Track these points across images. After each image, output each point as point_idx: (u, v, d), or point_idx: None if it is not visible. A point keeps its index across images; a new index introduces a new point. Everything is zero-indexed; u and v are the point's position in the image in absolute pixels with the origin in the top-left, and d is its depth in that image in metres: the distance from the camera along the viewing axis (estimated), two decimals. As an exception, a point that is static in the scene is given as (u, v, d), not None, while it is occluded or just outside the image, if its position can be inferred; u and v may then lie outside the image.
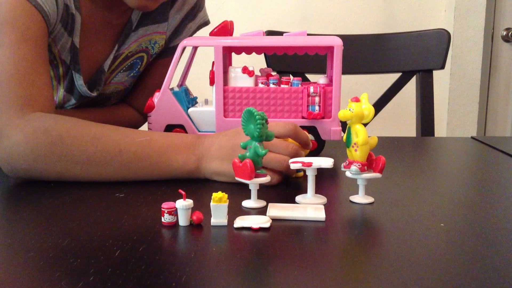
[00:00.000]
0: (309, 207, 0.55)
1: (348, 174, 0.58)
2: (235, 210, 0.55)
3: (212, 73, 0.77)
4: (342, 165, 0.59)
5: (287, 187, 0.65)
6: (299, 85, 0.77)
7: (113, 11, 0.84)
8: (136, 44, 0.89)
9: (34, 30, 0.71)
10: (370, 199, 0.58)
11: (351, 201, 0.58)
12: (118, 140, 0.65)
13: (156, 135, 0.68)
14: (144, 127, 0.89)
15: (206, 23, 0.98)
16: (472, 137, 0.99)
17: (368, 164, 0.58)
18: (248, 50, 0.82)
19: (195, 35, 0.97)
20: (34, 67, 0.70)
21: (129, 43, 0.88)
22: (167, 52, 0.94)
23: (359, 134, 0.57)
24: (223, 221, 0.51)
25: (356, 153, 0.57)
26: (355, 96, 0.58)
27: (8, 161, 0.65)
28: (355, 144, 0.57)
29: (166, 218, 0.50)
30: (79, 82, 0.84)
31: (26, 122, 0.66)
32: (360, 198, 0.58)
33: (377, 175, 0.57)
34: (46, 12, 0.72)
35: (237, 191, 0.60)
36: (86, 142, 0.64)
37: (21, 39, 0.70)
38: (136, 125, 0.98)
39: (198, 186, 0.64)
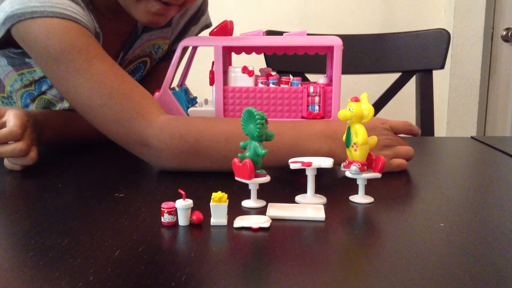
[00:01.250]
0: (309, 207, 0.55)
1: (348, 174, 0.58)
2: (235, 210, 0.55)
3: (212, 73, 0.77)
4: (342, 165, 0.59)
5: (287, 187, 0.65)
6: (299, 85, 0.77)
7: (120, 21, 0.85)
8: (140, 49, 0.90)
9: (95, 45, 0.72)
10: (370, 199, 0.58)
11: (351, 201, 0.58)
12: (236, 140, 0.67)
13: (284, 127, 0.69)
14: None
15: (208, 25, 0.98)
16: (472, 137, 0.99)
17: (368, 164, 0.58)
18: (248, 50, 0.82)
19: (195, 35, 0.97)
20: (122, 77, 0.72)
21: (133, 49, 0.88)
22: (170, 55, 0.95)
23: (358, 134, 0.57)
24: (223, 221, 0.51)
25: (356, 153, 0.57)
26: (355, 96, 0.58)
27: (158, 165, 0.71)
28: (354, 144, 0.57)
29: (166, 218, 0.50)
30: None
31: (160, 130, 0.69)
32: (360, 198, 0.58)
33: (377, 175, 0.57)
34: (88, 26, 0.73)
35: (237, 191, 0.60)
36: (220, 143, 0.68)
37: (95, 57, 0.70)
38: None
39: (198, 186, 0.64)
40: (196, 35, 0.96)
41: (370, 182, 0.59)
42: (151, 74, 0.97)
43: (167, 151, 0.68)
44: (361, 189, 0.58)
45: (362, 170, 0.57)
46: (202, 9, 0.95)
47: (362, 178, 0.58)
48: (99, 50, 0.72)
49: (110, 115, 0.69)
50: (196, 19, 0.94)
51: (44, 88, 0.86)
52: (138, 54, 0.90)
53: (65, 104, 0.88)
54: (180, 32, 0.93)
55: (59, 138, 0.84)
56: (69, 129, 0.85)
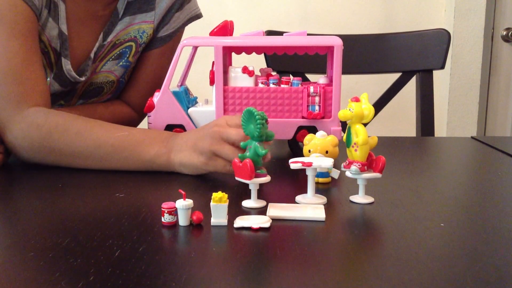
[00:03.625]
0: (309, 207, 0.55)
1: (348, 174, 0.58)
2: (235, 210, 0.55)
3: (212, 73, 0.77)
4: (342, 165, 0.59)
5: (287, 187, 0.65)
6: (299, 85, 0.77)
7: (98, 3, 0.85)
8: (124, 33, 0.90)
9: (23, 23, 0.74)
10: (370, 199, 0.58)
11: (351, 201, 0.58)
12: (98, 135, 0.71)
13: (135, 130, 0.73)
14: (143, 124, 0.89)
15: (198, 16, 0.97)
16: (472, 137, 0.99)
17: (368, 164, 0.58)
18: (248, 50, 0.82)
19: (193, 34, 0.97)
20: (27, 62, 0.75)
21: (116, 32, 0.89)
22: (156, 43, 0.94)
23: (359, 134, 0.57)
24: (223, 221, 0.51)
25: (356, 153, 0.57)
26: (355, 96, 0.58)
27: (12, 151, 0.74)
28: (355, 144, 0.57)
29: (166, 218, 0.50)
30: (67, 67, 0.85)
31: (22, 118, 0.72)
32: (360, 198, 0.58)
33: (377, 175, 0.57)
34: (32, 1, 0.74)
35: (237, 191, 0.60)
36: (71, 137, 0.71)
37: (11, 35, 0.73)
38: (130, 122, 0.98)
39: (198, 186, 0.64)
40: (185, 24, 0.95)
41: (370, 182, 0.59)
42: (140, 64, 0.96)
43: (21, 139, 0.72)
44: (361, 189, 0.58)
45: (362, 170, 0.57)
46: None
47: (362, 178, 0.58)
48: (21, 29, 0.74)
49: None
50: (179, 4, 0.93)
51: None
52: (123, 39, 0.90)
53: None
54: (164, 16, 0.92)
55: None
56: None
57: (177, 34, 0.95)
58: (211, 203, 0.50)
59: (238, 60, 0.86)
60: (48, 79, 0.87)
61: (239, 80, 0.78)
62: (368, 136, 0.58)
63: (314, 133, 0.70)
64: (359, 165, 0.57)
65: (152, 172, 0.71)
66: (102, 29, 0.88)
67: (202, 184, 0.65)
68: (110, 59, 0.91)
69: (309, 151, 0.67)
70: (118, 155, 0.70)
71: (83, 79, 0.88)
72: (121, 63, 0.93)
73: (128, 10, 0.89)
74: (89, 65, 0.88)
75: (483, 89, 2.08)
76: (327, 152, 0.67)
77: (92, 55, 0.87)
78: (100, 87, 0.94)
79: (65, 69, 0.85)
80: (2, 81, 0.73)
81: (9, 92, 0.73)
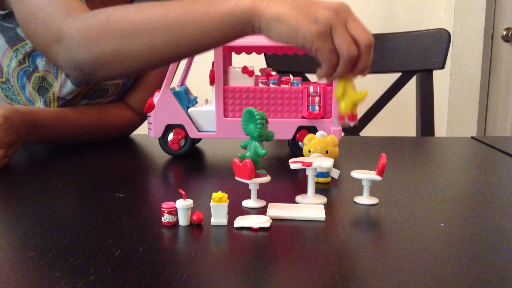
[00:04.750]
0: (309, 207, 0.55)
1: (352, 174, 0.58)
2: (235, 210, 0.55)
3: (212, 73, 0.77)
4: (340, 121, 0.61)
5: (287, 187, 0.65)
6: (299, 85, 0.77)
7: (114, 3, 0.85)
8: None
9: None
10: (374, 200, 0.58)
11: (355, 202, 0.58)
12: (161, 4, 0.64)
13: None
14: (142, 130, 0.89)
15: None
16: (472, 137, 0.99)
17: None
18: (248, 50, 0.82)
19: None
20: None
21: None
22: None
23: (337, 88, 0.59)
24: (223, 221, 0.51)
25: (340, 105, 0.59)
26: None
27: (71, 58, 0.68)
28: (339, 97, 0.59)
29: (166, 218, 0.50)
30: None
31: (74, 18, 0.67)
32: (365, 199, 0.58)
33: (376, 177, 0.57)
34: None
35: (237, 191, 0.60)
36: (132, 12, 0.64)
37: None
38: (132, 125, 0.98)
39: (198, 186, 0.64)
40: None
41: (371, 183, 0.59)
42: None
43: (77, 34, 0.66)
44: (365, 190, 0.58)
45: (341, 120, 0.58)
46: None
47: (367, 179, 0.58)
48: None
49: (31, 11, 0.70)
50: None
51: (38, 62, 0.87)
52: None
53: (61, 84, 0.88)
54: None
55: (53, 137, 0.84)
56: (64, 128, 0.85)
57: None
58: (211, 203, 0.50)
59: (238, 60, 0.86)
60: (61, 78, 0.87)
61: (239, 80, 0.78)
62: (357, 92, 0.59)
63: (314, 133, 0.70)
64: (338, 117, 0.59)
65: (152, 172, 0.71)
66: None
67: (202, 184, 0.65)
68: None
69: (309, 151, 0.67)
70: (190, 16, 0.61)
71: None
72: None
73: None
74: None
75: (483, 89, 2.08)
76: (327, 152, 0.67)
77: None
78: (105, 88, 0.94)
79: None
80: (46, 2, 0.69)
81: (56, 7, 0.69)
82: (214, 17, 0.59)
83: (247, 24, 0.58)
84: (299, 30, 0.55)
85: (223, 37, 0.61)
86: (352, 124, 0.60)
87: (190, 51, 0.63)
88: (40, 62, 0.87)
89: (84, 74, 0.69)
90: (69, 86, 0.88)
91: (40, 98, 0.90)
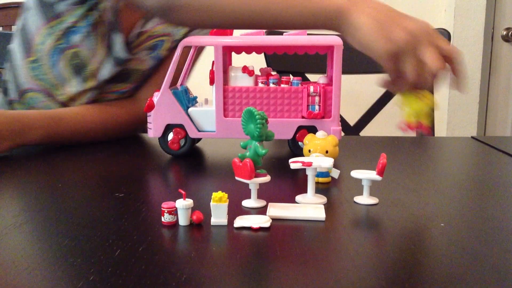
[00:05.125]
0: (309, 207, 0.55)
1: (352, 174, 0.58)
2: (235, 209, 0.55)
3: (212, 73, 0.77)
4: (400, 127, 0.62)
5: (287, 187, 0.65)
6: (299, 85, 0.77)
7: None
8: (162, 27, 0.90)
9: None
10: (375, 200, 0.58)
11: (355, 202, 0.58)
12: None
13: None
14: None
15: None
16: (472, 137, 0.99)
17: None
18: (248, 49, 0.82)
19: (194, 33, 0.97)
20: None
21: (155, 23, 0.89)
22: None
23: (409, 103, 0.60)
24: (223, 220, 0.50)
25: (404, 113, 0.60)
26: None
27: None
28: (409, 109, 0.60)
29: (166, 218, 0.50)
30: (119, 41, 0.86)
31: None
32: (365, 199, 0.58)
33: (377, 177, 0.57)
34: None
35: (237, 191, 0.60)
36: None
37: None
38: (134, 126, 0.98)
39: (198, 185, 0.64)
40: None
41: (371, 183, 0.59)
42: (168, 63, 0.98)
43: None
44: (366, 190, 0.58)
45: (403, 128, 0.61)
46: None
47: (367, 179, 0.58)
48: None
49: None
50: None
51: (74, 39, 0.88)
52: (160, 32, 0.90)
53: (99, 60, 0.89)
54: None
55: (49, 138, 0.84)
56: (60, 129, 0.85)
57: None
58: (211, 203, 0.50)
59: (238, 60, 0.86)
60: (99, 56, 0.88)
61: (239, 79, 0.78)
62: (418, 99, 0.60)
63: (314, 133, 0.70)
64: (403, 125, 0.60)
65: (152, 171, 0.71)
66: (142, 16, 0.89)
67: (202, 183, 0.65)
68: (144, 49, 0.92)
69: (309, 150, 0.67)
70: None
71: (130, 56, 0.88)
72: (152, 54, 0.93)
73: None
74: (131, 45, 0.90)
75: (483, 89, 2.08)
76: (327, 151, 0.67)
77: (130, 39, 0.88)
78: (127, 73, 0.95)
79: (117, 43, 0.86)
80: None
81: None
82: (308, 4, 0.59)
83: (332, 21, 0.58)
84: (372, 44, 0.55)
85: (304, 24, 0.60)
86: (419, 133, 0.61)
87: (263, 24, 0.63)
88: (76, 39, 0.88)
89: (165, 15, 0.69)
90: (108, 66, 0.89)
91: (74, 76, 0.91)
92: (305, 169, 0.57)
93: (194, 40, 0.78)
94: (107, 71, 0.90)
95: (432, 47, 0.54)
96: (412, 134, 0.61)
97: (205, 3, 0.65)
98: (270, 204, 0.56)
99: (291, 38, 0.77)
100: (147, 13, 0.71)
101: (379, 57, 0.55)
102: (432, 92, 0.59)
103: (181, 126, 0.78)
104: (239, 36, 0.78)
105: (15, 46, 0.94)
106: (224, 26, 0.67)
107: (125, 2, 0.86)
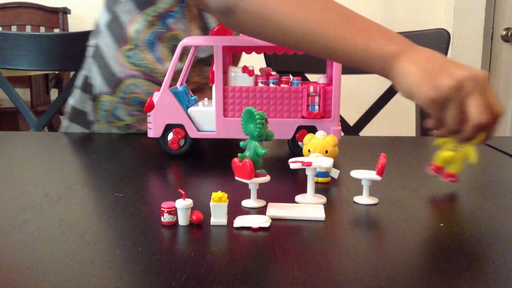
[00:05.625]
0: (308, 207, 0.55)
1: (351, 173, 0.58)
2: (235, 209, 0.55)
3: (212, 73, 0.77)
4: (428, 168, 0.63)
5: (286, 186, 0.65)
6: (299, 85, 0.77)
7: None
8: None
9: None
10: (374, 200, 0.58)
11: (354, 202, 0.58)
12: (324, 4, 0.63)
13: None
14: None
15: None
16: (472, 137, 0.98)
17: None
18: (248, 49, 0.82)
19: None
20: None
21: None
22: None
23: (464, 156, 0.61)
24: (223, 220, 0.50)
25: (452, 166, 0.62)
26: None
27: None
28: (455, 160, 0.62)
29: (165, 218, 0.50)
30: (211, 20, 0.93)
31: None
32: (365, 198, 0.58)
33: (376, 177, 0.57)
34: None
35: (237, 191, 0.60)
36: None
37: None
38: None
39: (198, 185, 0.64)
40: None
41: (371, 183, 0.59)
42: None
43: None
44: (365, 190, 0.58)
45: (430, 170, 0.64)
46: None
47: (366, 179, 0.58)
48: None
49: None
50: None
51: (169, 22, 0.92)
52: None
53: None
54: None
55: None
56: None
57: None
58: (211, 203, 0.50)
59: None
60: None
61: (239, 79, 0.78)
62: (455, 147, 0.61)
63: (314, 133, 0.70)
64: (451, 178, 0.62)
65: (152, 171, 0.71)
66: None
67: (201, 183, 0.65)
68: None
69: (309, 150, 0.67)
70: (337, 29, 0.60)
71: None
72: None
73: None
74: None
75: (483, 89, 2.08)
76: (326, 151, 0.67)
77: None
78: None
79: (210, 22, 0.91)
80: None
81: None
82: (358, 45, 0.59)
83: (381, 66, 0.59)
84: (417, 91, 0.55)
85: (357, 65, 0.61)
86: (448, 180, 0.63)
87: (319, 54, 0.63)
88: (171, 22, 0.92)
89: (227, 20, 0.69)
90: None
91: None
92: (304, 169, 0.57)
93: (194, 40, 0.78)
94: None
95: (480, 97, 0.53)
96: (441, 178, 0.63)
97: (270, 15, 0.64)
98: (269, 204, 0.56)
99: (291, 38, 0.77)
100: (209, 11, 0.71)
101: (423, 103, 0.56)
102: (483, 142, 0.58)
103: (181, 126, 0.78)
104: (239, 36, 0.78)
105: (103, 41, 0.97)
106: (278, 42, 0.67)
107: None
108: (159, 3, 0.91)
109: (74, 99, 1.04)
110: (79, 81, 1.04)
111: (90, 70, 1.01)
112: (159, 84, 0.94)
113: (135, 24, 0.93)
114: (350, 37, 0.60)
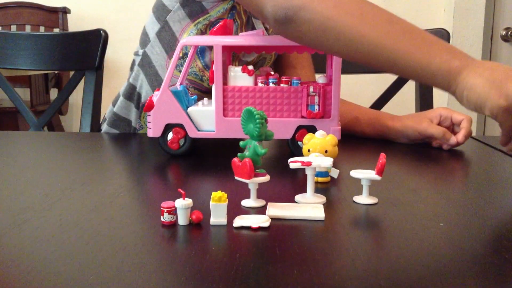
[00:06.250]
0: (308, 207, 0.55)
1: (351, 173, 0.58)
2: (235, 209, 0.55)
3: (212, 73, 0.77)
4: None
5: (286, 186, 0.65)
6: (299, 85, 0.77)
7: None
8: None
9: None
10: (374, 200, 0.58)
11: (354, 202, 0.58)
12: (387, 19, 0.64)
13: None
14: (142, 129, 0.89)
15: None
16: (472, 137, 0.99)
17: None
18: (248, 49, 0.82)
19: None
20: None
21: None
22: None
23: None
24: (223, 220, 0.50)
25: None
26: None
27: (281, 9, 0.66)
28: None
29: (165, 218, 0.50)
30: (259, 26, 0.95)
31: None
32: (364, 198, 0.58)
33: (376, 177, 0.57)
34: None
35: (237, 191, 0.60)
36: (355, 7, 0.63)
37: None
38: None
39: (197, 185, 0.64)
40: None
41: (371, 183, 0.59)
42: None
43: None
44: (365, 190, 0.58)
45: None
46: None
47: (366, 179, 0.58)
48: None
49: None
50: None
51: None
52: None
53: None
54: None
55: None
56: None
57: None
58: (211, 203, 0.50)
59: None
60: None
61: (238, 79, 0.78)
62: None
63: (314, 133, 0.70)
64: None
65: (152, 171, 0.71)
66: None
67: (201, 183, 0.65)
68: None
69: (309, 150, 0.67)
70: (400, 46, 0.60)
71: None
72: None
73: None
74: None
75: (483, 89, 2.08)
76: (326, 151, 0.67)
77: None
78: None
79: (257, 28, 0.91)
80: None
81: None
82: (422, 59, 0.59)
83: (445, 81, 0.59)
84: (487, 102, 0.56)
85: (413, 76, 0.61)
86: None
87: (380, 68, 0.63)
88: None
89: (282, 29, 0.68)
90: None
91: None
92: (304, 168, 0.57)
93: (194, 39, 0.78)
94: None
95: None
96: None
97: (332, 25, 0.63)
98: (269, 203, 0.56)
99: (291, 37, 0.77)
100: (265, 19, 0.69)
101: (492, 114, 0.56)
102: None
103: (180, 126, 0.78)
104: (238, 36, 0.78)
105: (152, 49, 0.97)
106: (337, 52, 0.66)
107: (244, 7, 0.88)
108: (212, 11, 0.91)
109: (117, 106, 1.04)
110: (123, 89, 1.03)
111: (137, 78, 1.00)
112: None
113: (186, 33, 0.92)
114: (413, 51, 0.60)
